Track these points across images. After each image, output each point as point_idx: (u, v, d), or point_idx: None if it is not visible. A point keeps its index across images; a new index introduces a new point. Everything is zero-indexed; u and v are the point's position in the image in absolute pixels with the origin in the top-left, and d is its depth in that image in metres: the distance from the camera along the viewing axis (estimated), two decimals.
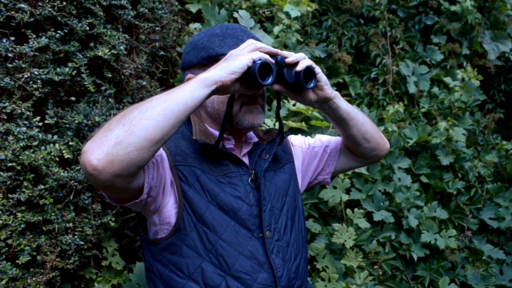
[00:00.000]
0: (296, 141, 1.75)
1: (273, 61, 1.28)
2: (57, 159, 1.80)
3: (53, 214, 1.81)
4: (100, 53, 1.87)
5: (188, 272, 1.34)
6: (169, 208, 1.37)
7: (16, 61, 1.73)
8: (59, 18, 1.78)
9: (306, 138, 1.78)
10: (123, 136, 1.08)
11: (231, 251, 1.34)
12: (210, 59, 1.38)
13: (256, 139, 1.58)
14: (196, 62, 1.42)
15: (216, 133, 1.46)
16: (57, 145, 1.80)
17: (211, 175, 1.38)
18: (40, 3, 1.74)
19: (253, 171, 1.45)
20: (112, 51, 1.91)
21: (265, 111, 1.51)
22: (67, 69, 1.81)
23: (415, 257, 2.72)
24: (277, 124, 2.47)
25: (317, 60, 3.28)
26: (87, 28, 1.84)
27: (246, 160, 1.51)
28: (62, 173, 1.80)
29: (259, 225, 1.40)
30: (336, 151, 1.71)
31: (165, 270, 1.38)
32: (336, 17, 3.58)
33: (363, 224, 2.55)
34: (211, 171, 1.39)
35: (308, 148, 1.73)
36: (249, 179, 1.44)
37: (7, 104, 1.73)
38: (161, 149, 1.36)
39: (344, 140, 1.67)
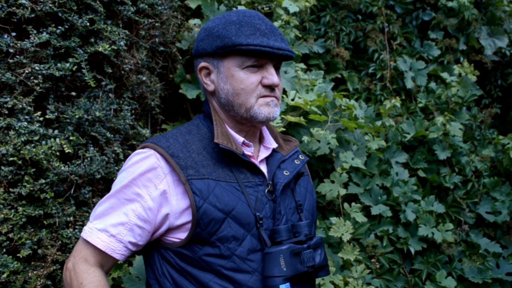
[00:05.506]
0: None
1: None
2: (57, 153, 1.82)
3: (53, 208, 1.83)
4: (100, 49, 1.88)
5: (198, 286, 1.31)
6: (180, 223, 1.32)
7: (17, 56, 1.74)
8: (59, 14, 1.80)
9: None
10: None
11: (247, 267, 1.31)
12: (226, 49, 1.31)
13: (275, 144, 1.49)
14: (210, 50, 1.35)
15: (236, 136, 1.40)
16: (57, 139, 1.82)
17: (227, 182, 1.32)
18: None
19: (270, 182, 1.39)
20: (112, 46, 1.93)
21: (281, 103, 1.45)
22: (67, 65, 1.82)
23: (413, 251, 2.73)
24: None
25: (315, 55, 3.30)
26: (88, 24, 1.86)
27: (263, 167, 1.44)
28: (62, 168, 1.82)
29: None
30: None
31: (178, 275, 1.33)
32: (334, 13, 3.60)
33: (360, 218, 2.57)
34: (227, 177, 1.33)
35: None
36: (266, 190, 1.37)
37: (8, 99, 1.74)
38: (166, 170, 1.31)
39: None
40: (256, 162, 1.42)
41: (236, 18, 1.34)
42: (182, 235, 1.31)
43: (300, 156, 1.49)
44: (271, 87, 1.36)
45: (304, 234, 1.34)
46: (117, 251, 1.31)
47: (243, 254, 1.29)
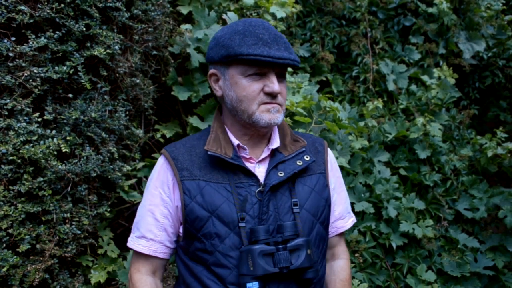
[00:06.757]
0: (332, 158, 1.63)
1: None
2: (55, 153, 1.86)
3: (51, 205, 1.88)
4: (96, 53, 1.92)
5: (192, 275, 1.43)
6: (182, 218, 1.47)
7: (17, 60, 1.78)
8: (57, 20, 1.83)
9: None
10: None
11: (227, 263, 1.36)
12: (229, 58, 1.36)
13: (275, 145, 1.49)
14: (217, 59, 1.41)
15: (233, 139, 1.46)
16: (55, 139, 1.86)
17: (218, 183, 1.39)
18: (39, 5, 1.80)
19: (263, 183, 1.41)
20: (108, 50, 1.96)
21: (285, 109, 1.46)
22: (64, 68, 1.86)
23: (394, 246, 2.77)
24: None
25: (301, 59, 3.36)
26: (84, 29, 1.89)
27: (264, 166, 1.47)
28: (60, 166, 1.86)
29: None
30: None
31: (183, 267, 1.48)
32: (319, 19, 3.64)
33: None
34: (220, 179, 1.40)
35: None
36: (257, 190, 1.40)
37: (8, 101, 1.78)
38: (171, 173, 1.45)
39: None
40: (253, 163, 1.46)
41: (242, 28, 1.38)
42: (182, 230, 1.46)
43: (305, 157, 1.48)
44: (272, 95, 1.39)
45: (283, 235, 1.35)
46: (159, 251, 1.47)
47: (225, 251, 1.36)
